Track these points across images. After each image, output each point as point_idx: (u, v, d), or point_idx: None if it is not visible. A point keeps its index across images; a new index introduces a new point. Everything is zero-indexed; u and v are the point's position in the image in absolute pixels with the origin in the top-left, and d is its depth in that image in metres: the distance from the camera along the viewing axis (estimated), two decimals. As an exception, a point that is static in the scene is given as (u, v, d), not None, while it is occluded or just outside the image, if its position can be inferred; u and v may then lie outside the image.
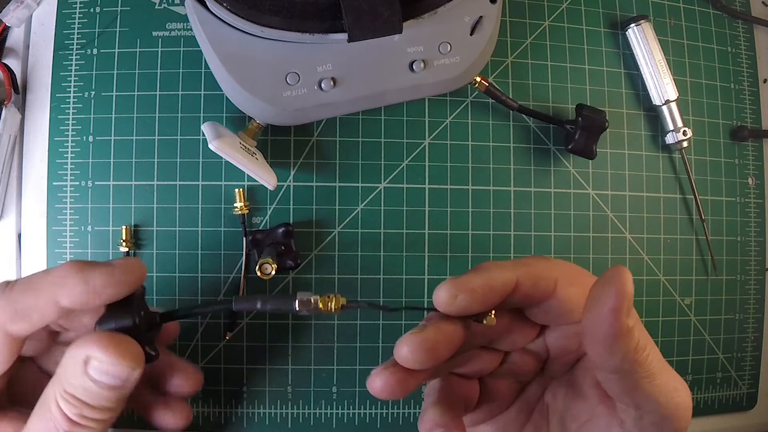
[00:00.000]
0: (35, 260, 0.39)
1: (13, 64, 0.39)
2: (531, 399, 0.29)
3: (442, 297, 0.24)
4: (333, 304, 0.26)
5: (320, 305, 0.26)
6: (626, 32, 0.42)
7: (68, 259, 0.38)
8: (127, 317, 0.26)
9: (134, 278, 0.26)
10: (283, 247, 0.38)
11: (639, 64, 0.42)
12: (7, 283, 0.26)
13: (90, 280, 0.25)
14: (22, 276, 0.39)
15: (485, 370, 0.29)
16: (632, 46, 0.42)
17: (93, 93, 0.39)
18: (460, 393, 0.28)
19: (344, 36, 0.32)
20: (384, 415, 0.40)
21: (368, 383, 0.25)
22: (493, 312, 0.25)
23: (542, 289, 0.25)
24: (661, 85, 0.41)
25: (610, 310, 0.22)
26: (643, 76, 0.42)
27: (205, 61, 0.38)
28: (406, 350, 0.24)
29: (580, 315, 0.25)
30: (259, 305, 0.26)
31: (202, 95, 0.39)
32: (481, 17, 0.36)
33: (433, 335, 0.24)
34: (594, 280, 0.26)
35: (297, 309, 0.26)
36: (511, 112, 0.41)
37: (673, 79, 0.42)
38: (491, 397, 0.29)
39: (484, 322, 0.25)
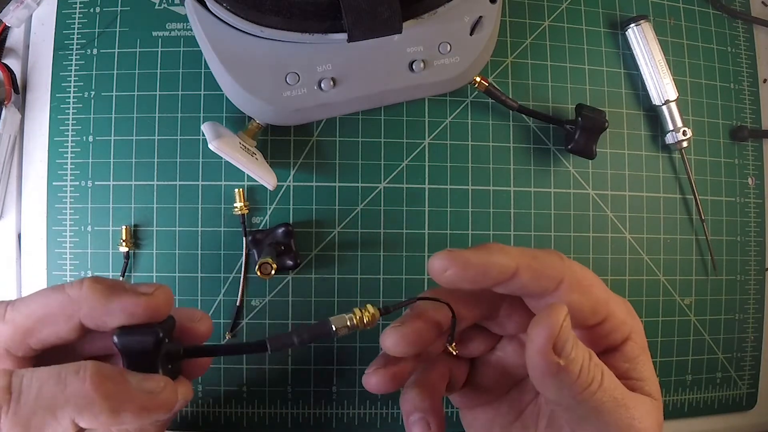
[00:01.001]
0: (35, 260, 0.39)
1: (13, 64, 0.39)
2: (524, 398, 0.29)
3: (434, 266, 0.24)
4: (367, 317, 0.25)
5: (356, 322, 0.25)
6: (626, 32, 0.42)
7: (68, 259, 0.38)
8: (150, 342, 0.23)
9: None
10: (283, 247, 0.38)
11: (639, 64, 0.42)
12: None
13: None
14: (22, 277, 0.39)
15: (475, 352, 0.29)
16: (632, 46, 0.42)
17: (93, 93, 0.39)
18: (446, 371, 0.28)
19: (344, 36, 0.32)
20: (384, 415, 0.40)
21: (364, 381, 0.26)
22: (454, 344, 0.26)
23: (543, 286, 0.25)
24: (661, 85, 0.41)
25: (537, 349, 0.22)
26: (643, 76, 0.42)
27: (205, 61, 0.38)
28: (389, 342, 0.25)
29: (576, 324, 0.25)
30: (295, 340, 0.25)
31: (202, 95, 0.39)
32: (480, 17, 0.36)
33: (413, 327, 0.25)
34: (607, 295, 0.26)
35: (335, 332, 0.25)
36: (510, 112, 0.41)
37: (673, 79, 0.42)
38: (480, 384, 0.29)
39: (448, 344, 0.26)
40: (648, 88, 0.42)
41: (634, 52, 0.42)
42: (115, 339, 0.23)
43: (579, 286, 0.25)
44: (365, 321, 0.25)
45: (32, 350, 0.24)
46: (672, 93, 0.41)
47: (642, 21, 0.41)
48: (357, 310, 0.25)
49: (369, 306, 0.25)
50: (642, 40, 0.41)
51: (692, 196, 0.43)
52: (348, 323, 0.25)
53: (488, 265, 0.24)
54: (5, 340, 0.23)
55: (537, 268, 0.24)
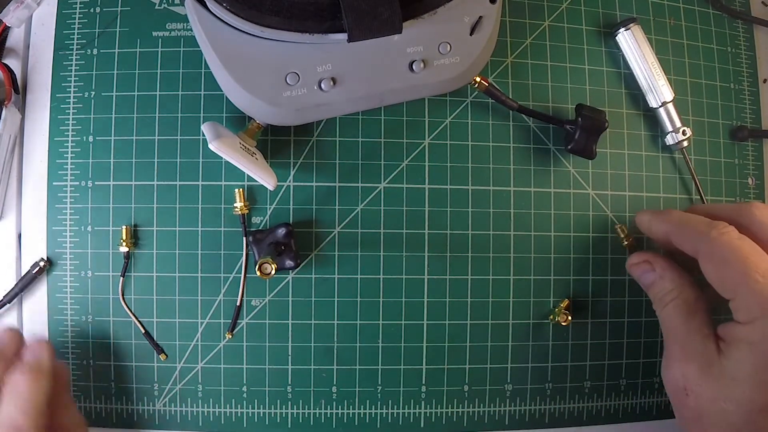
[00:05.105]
0: (35, 260, 0.39)
1: (13, 64, 0.39)
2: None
3: (639, 221, 0.38)
4: None
5: None
6: (616, 37, 0.42)
7: (68, 259, 0.39)
8: None
9: None
10: (283, 247, 0.38)
11: (632, 67, 0.42)
12: None
13: None
14: (22, 276, 0.39)
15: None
16: (624, 51, 0.42)
17: (93, 93, 0.39)
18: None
19: (344, 36, 0.32)
20: (384, 415, 0.40)
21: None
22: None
23: (688, 251, 0.33)
24: (656, 87, 0.41)
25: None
26: (638, 80, 0.42)
27: (205, 61, 0.38)
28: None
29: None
30: None
31: (202, 95, 0.39)
32: (480, 17, 0.36)
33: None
34: (742, 279, 0.30)
35: None
36: (511, 112, 0.41)
37: (673, 79, 0.41)
38: None
39: None
40: (644, 92, 0.42)
41: (626, 56, 0.42)
42: None
43: (711, 260, 0.31)
44: None
45: None
46: (668, 94, 0.41)
47: (631, 24, 0.41)
48: None
49: None
50: (633, 44, 0.41)
51: (692, 196, 0.43)
52: None
53: (650, 230, 0.36)
54: None
55: (678, 238, 0.34)
